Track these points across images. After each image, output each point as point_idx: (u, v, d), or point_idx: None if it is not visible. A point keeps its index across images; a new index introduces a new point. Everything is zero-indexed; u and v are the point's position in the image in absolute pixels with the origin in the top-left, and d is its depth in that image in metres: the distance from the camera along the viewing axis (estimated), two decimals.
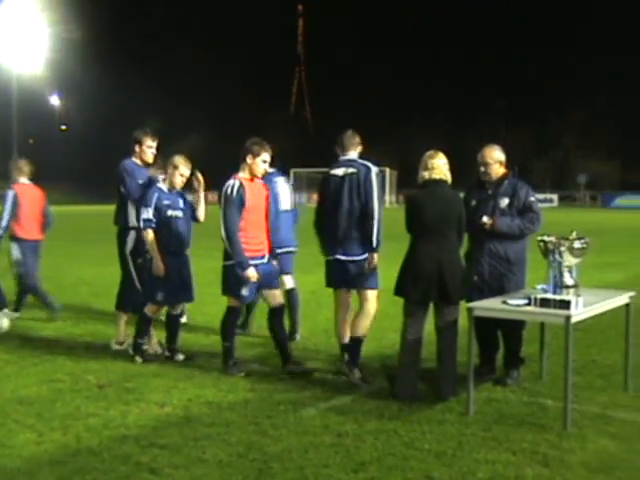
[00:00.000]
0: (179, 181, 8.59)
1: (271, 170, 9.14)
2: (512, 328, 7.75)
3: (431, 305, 7.34)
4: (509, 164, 8.10)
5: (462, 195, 7.88)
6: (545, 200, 72.04)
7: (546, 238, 6.98)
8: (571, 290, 6.85)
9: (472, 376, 6.71)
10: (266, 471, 5.44)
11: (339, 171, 8.02)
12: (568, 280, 6.90)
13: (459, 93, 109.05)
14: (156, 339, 9.05)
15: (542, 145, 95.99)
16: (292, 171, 65.51)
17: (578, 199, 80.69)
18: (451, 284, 7.17)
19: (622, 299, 7.44)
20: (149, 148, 9.03)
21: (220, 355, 8.22)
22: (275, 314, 8.20)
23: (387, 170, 71.54)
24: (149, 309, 8.59)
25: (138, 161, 9.04)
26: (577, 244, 6.87)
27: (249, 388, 7.51)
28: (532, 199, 7.81)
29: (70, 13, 76.23)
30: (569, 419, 6.31)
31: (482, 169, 7.87)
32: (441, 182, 7.30)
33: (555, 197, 76.23)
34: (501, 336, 7.97)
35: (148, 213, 8.35)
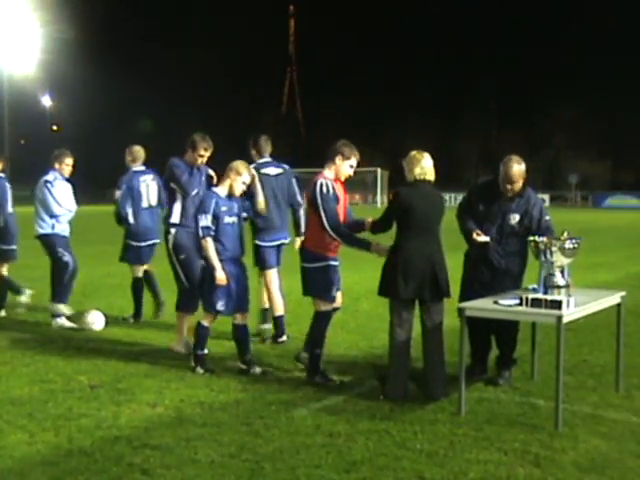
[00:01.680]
0: (241, 188, 8.20)
1: (141, 168, 11.03)
2: (506, 332, 7.76)
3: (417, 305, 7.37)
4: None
5: (453, 195, 7.89)
6: None
7: (537, 238, 6.99)
8: (562, 290, 6.86)
9: (464, 376, 6.73)
10: (258, 471, 5.45)
11: (271, 170, 9.53)
12: (559, 280, 6.91)
13: (451, 93, 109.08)
14: (185, 339, 9.04)
15: (533, 145, 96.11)
16: None
17: (569, 199, 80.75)
18: (442, 281, 7.27)
19: (613, 299, 7.46)
20: (200, 157, 8.93)
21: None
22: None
23: (378, 170, 71.55)
24: (206, 318, 8.22)
25: (186, 161, 8.99)
26: (568, 244, 6.88)
27: (241, 389, 7.52)
28: (547, 218, 7.68)
29: (62, 13, 76.02)
30: (560, 419, 6.33)
31: (508, 186, 7.63)
32: (428, 182, 7.35)
33: (546, 197, 76.25)
34: (495, 339, 7.98)
35: (207, 220, 7.95)
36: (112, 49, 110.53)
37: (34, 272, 15.38)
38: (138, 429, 6.34)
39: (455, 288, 7.65)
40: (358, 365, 8.49)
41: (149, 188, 10.99)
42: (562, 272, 6.97)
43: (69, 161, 10.78)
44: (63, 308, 10.59)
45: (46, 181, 10.59)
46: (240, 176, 8.14)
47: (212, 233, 7.96)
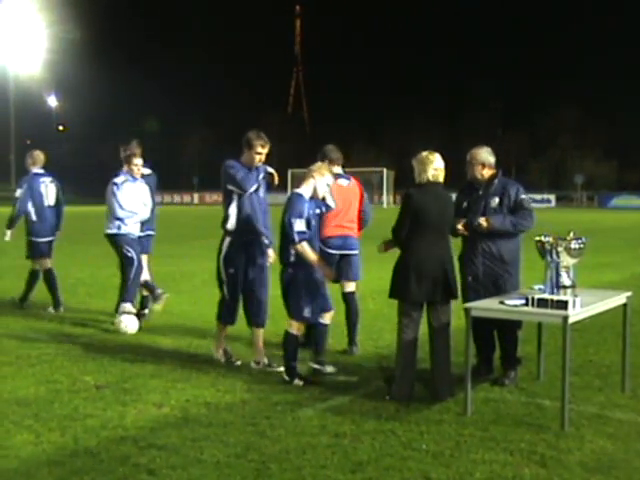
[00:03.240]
0: (324, 190, 7.98)
1: (40, 171, 12.07)
2: (508, 329, 7.76)
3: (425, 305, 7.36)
4: (499, 165, 8.11)
5: (454, 196, 7.92)
6: (542, 200, 72.08)
7: (543, 238, 6.98)
8: (568, 290, 6.85)
9: (470, 376, 6.72)
10: (264, 472, 5.44)
11: (144, 171, 11.00)
12: (565, 280, 6.89)
13: (455, 94, 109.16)
14: (224, 346, 8.74)
15: (538, 145, 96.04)
16: (289, 171, 65.42)
17: (575, 199, 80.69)
18: (452, 282, 7.29)
19: (619, 299, 7.45)
20: (257, 154, 8.46)
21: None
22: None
23: (384, 171, 71.58)
24: (294, 326, 7.88)
25: (242, 162, 8.54)
26: (574, 244, 6.87)
27: (247, 389, 7.51)
28: (523, 196, 7.85)
29: (68, 13, 76.24)
30: (566, 419, 6.32)
31: (470, 170, 7.97)
32: (439, 183, 7.34)
33: (552, 197, 76.19)
34: (497, 337, 7.99)
35: (302, 225, 7.67)
36: (118, 48, 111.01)
37: None
38: (144, 429, 6.34)
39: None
40: (364, 365, 8.48)
41: (48, 189, 12.06)
42: (568, 272, 6.96)
43: (137, 162, 10.86)
44: (129, 307, 10.50)
45: (114, 183, 10.64)
46: (324, 177, 7.96)
47: (306, 237, 7.71)
